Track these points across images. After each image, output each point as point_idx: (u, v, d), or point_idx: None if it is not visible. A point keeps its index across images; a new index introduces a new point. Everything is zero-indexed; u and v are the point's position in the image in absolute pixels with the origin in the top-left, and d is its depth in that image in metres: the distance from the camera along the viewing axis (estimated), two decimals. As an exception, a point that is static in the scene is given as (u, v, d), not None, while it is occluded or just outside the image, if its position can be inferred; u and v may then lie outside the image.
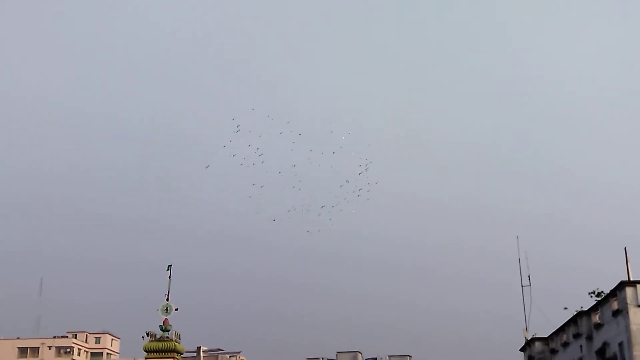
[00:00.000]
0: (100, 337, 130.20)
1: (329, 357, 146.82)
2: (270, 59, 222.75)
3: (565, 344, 48.14)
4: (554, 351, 50.84)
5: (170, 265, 53.70)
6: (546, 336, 52.38)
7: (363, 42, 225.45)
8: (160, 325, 52.55)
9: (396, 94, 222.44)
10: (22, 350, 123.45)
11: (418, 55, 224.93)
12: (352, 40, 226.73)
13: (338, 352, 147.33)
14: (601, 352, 42.67)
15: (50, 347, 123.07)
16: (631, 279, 40.96)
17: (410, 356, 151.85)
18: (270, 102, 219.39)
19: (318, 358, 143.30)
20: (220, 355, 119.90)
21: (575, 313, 46.50)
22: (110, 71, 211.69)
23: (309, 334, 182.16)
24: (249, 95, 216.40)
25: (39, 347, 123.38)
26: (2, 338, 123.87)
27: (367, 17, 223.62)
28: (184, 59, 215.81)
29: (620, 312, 39.69)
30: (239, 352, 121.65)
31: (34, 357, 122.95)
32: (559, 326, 49.42)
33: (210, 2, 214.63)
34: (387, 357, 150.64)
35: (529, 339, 53.74)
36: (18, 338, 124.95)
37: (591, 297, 47.33)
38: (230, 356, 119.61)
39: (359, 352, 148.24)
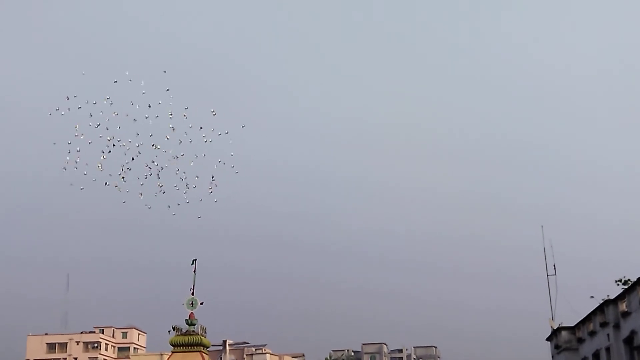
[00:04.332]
0: (127, 332, 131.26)
1: (354, 349, 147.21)
2: (269, 56, 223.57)
3: (592, 333, 47.78)
4: (580, 340, 50.50)
5: (195, 260, 53.78)
6: (572, 325, 52.02)
7: (370, 36, 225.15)
8: (186, 320, 52.71)
9: (408, 89, 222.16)
10: (51, 346, 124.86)
11: (435, 52, 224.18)
12: (355, 36, 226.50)
13: (363, 344, 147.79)
14: (629, 340, 42.31)
15: (78, 343, 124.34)
16: (658, 266, 40.51)
17: (435, 347, 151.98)
18: (272, 102, 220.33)
19: (343, 350, 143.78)
20: (245, 348, 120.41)
21: (601, 301, 46.10)
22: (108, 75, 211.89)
23: (334, 327, 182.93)
24: (248, 97, 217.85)
25: (67, 343, 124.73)
26: (31, 334, 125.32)
27: (374, 10, 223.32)
28: (182, 62, 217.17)
29: (648, 300, 39.31)
30: (265, 345, 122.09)
31: (62, 352, 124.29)
32: (585, 315, 49.05)
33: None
34: (413, 348, 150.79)
35: (555, 328, 53.41)
36: (46, 334, 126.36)
37: (618, 285, 46.90)
38: (255, 349, 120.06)
39: (384, 344, 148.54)
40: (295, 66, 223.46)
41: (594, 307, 47.14)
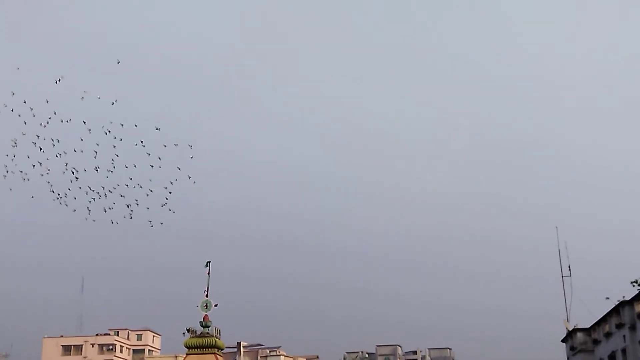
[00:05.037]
0: (141, 334, 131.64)
1: (368, 351, 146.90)
2: (268, 58, 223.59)
3: (608, 334, 47.54)
4: (596, 341, 50.25)
5: (209, 262, 53.96)
6: (588, 327, 51.78)
7: (370, 37, 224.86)
8: (200, 322, 52.85)
9: (408, 90, 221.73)
10: (66, 349, 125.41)
11: (432, 53, 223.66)
12: (354, 37, 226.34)
13: (378, 346, 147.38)
14: (645, 341, 42.09)
15: (93, 345, 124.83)
16: (674, 267, 40.27)
17: (450, 349, 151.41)
18: (272, 103, 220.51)
19: (358, 352, 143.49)
20: (260, 350, 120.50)
21: (617, 303, 45.86)
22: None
23: (349, 329, 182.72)
24: (248, 98, 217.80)
25: (82, 345, 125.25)
26: (46, 337, 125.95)
27: (373, 11, 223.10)
28: (183, 65, 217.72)
29: (664, 301, 39.07)
30: (279, 347, 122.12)
31: (77, 354, 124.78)
32: (601, 316, 48.81)
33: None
34: (427, 350, 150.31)
35: (570, 329, 53.18)
36: (62, 336, 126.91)
37: (633, 286, 46.63)
38: (270, 351, 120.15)
39: (399, 346, 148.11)
40: (296, 68, 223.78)
41: (610, 309, 46.90)
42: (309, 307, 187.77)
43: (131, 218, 54.34)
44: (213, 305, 52.66)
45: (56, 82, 51.55)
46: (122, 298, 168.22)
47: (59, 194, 52.54)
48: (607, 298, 47.61)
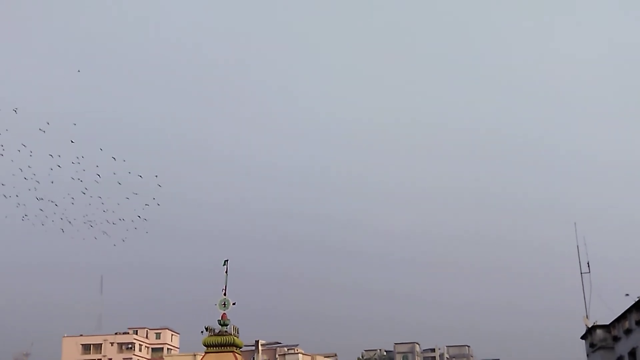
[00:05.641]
0: (160, 333, 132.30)
1: (386, 349, 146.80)
2: (270, 60, 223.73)
3: (628, 331, 47.21)
4: (616, 338, 49.92)
5: (227, 260, 53.82)
6: (608, 323, 51.44)
7: (371, 34, 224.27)
8: (218, 320, 52.81)
9: (411, 88, 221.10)
10: (86, 347, 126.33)
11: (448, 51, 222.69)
12: (357, 36, 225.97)
13: (396, 344, 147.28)
14: (665, 338, 41.76)
15: (112, 344, 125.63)
16: (695, 263, 39.90)
17: (468, 346, 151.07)
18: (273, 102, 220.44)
19: (375, 349, 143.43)
20: (278, 348, 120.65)
21: (637, 299, 45.56)
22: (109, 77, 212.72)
23: (367, 327, 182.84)
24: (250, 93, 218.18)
25: (101, 344, 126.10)
26: (66, 336, 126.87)
27: (374, 7, 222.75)
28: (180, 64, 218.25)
29: (685, 297, 38.75)
30: (297, 345, 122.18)
31: (97, 353, 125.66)
32: (620, 313, 48.48)
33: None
34: (445, 348, 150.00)
35: (590, 326, 52.86)
36: (81, 335, 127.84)
37: (654, 282, 46.40)
38: (288, 349, 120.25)
39: (417, 343, 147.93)
40: (299, 68, 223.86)
41: (630, 305, 46.59)
42: (326, 305, 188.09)
43: (108, 237, 55.56)
44: (231, 304, 52.64)
45: (15, 111, 52.43)
46: (141, 297, 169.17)
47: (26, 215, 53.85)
48: (627, 294, 47.38)
